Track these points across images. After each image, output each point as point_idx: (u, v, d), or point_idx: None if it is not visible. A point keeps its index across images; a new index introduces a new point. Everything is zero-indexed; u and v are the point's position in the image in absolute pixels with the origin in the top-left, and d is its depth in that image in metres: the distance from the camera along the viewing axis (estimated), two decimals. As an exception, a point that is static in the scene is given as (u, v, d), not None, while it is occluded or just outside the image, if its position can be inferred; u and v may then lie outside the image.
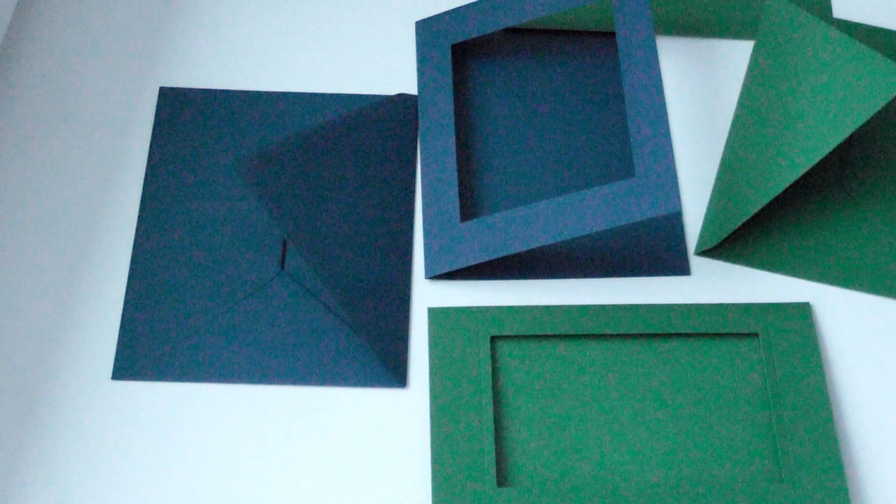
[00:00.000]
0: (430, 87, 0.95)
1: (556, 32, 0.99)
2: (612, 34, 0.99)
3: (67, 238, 0.88)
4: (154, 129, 0.93)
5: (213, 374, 0.83)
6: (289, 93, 0.95)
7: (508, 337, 0.84)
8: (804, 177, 0.93)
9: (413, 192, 0.92)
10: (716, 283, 0.88)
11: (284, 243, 0.88)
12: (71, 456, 0.80)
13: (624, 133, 0.94)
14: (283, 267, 0.87)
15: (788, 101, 0.89)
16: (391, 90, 0.96)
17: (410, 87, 0.97)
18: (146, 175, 0.91)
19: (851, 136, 0.94)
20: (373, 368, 0.83)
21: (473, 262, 0.86)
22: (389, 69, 0.97)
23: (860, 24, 0.99)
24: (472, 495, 0.78)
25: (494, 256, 0.85)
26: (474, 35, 0.96)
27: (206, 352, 0.84)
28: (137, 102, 0.95)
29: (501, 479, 0.79)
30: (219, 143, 0.93)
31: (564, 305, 0.86)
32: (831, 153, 0.94)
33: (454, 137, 0.92)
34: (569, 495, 0.78)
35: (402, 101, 0.95)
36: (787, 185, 0.85)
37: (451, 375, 0.82)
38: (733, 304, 0.86)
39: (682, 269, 0.89)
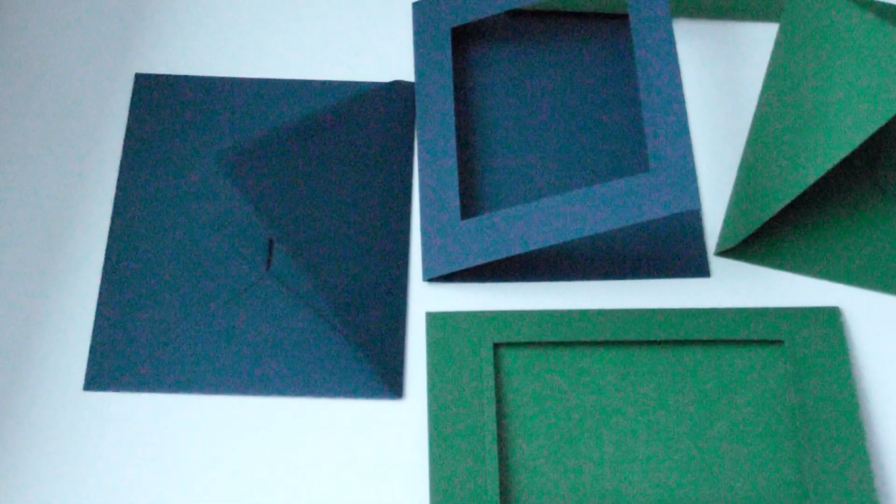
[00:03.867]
0: (428, 74, 0.95)
1: (564, 15, 0.99)
2: (625, 16, 0.99)
3: (36, 238, 0.88)
4: (129, 120, 0.93)
5: (193, 385, 0.83)
6: (275, 80, 0.95)
7: (513, 344, 0.85)
8: (833, 171, 0.93)
9: (410, 187, 0.92)
10: (737, 286, 0.88)
11: (270, 243, 0.88)
12: (40, 471, 0.80)
13: (638, 124, 0.94)
14: (268, 269, 0.87)
15: (816, 89, 0.89)
16: (386, 77, 0.96)
17: (407, 73, 0.97)
18: (120, 169, 0.91)
19: (884, 127, 0.94)
20: (366, 378, 0.84)
21: (475, 263, 0.86)
22: (384, 54, 0.97)
23: (893, 5, 0.99)
24: (473, 516, 0.78)
25: (498, 257, 0.85)
26: (475, 18, 0.96)
27: (185, 361, 0.84)
28: (111, 90, 0.95)
29: (505, 499, 0.79)
30: (199, 134, 0.93)
31: (573, 310, 0.86)
32: (862, 145, 0.94)
33: (454, 128, 0.92)
34: (579, 516, 0.78)
35: (397, 89, 0.95)
36: (814, 180, 0.85)
37: (451, 386, 0.82)
38: (756, 309, 0.86)
39: (700, 270, 0.89)
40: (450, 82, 0.94)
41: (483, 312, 0.85)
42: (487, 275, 0.88)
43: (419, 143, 0.93)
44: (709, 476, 0.80)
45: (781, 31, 0.97)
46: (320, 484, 0.81)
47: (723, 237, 0.90)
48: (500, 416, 0.82)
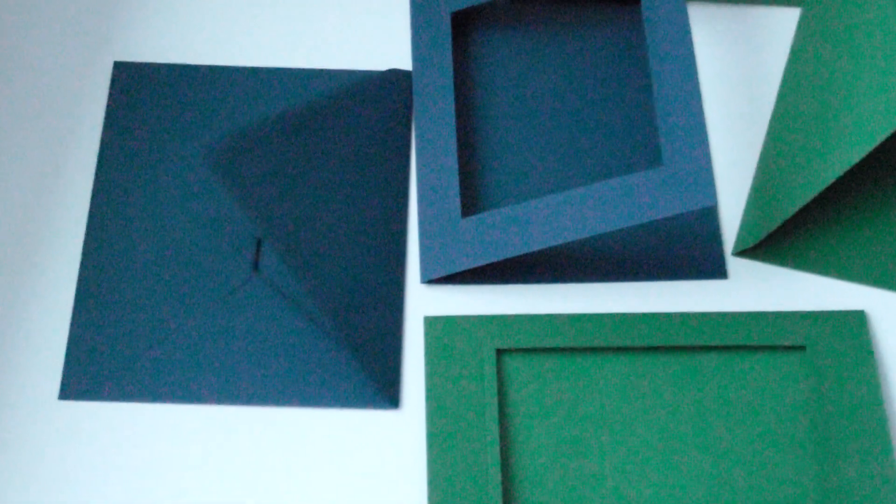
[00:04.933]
0: (426, 62, 0.95)
1: (572, -1, 0.99)
2: (637, 0, 1.00)
3: (7, 237, 0.88)
4: (108, 111, 0.93)
5: (175, 394, 0.83)
6: (262, 68, 0.96)
7: (516, 350, 0.85)
8: (858, 166, 0.93)
9: (407, 183, 0.92)
10: (756, 289, 0.88)
11: (258, 242, 0.88)
12: (12, 484, 0.80)
13: (650, 116, 0.94)
14: (256, 269, 0.87)
15: (841, 77, 0.89)
16: (382, 65, 0.96)
17: (404, 61, 0.97)
18: (98, 164, 0.91)
19: (914, 119, 0.95)
20: (360, 387, 0.84)
21: (476, 264, 0.86)
22: (379, 41, 0.97)
23: (923, -11, 1.00)
24: (474, 533, 0.79)
25: (500, 257, 0.85)
26: (477, 2, 0.96)
27: (166, 369, 0.84)
28: (88, 79, 0.95)
29: (509, 516, 0.80)
30: (182, 126, 0.93)
31: (581, 314, 0.86)
32: (889, 139, 0.94)
33: (454, 120, 0.92)
34: (586, 533, 0.79)
35: (394, 78, 0.95)
36: (838, 175, 0.84)
37: (451, 395, 0.82)
38: (776, 313, 0.86)
39: (717, 271, 0.89)
40: (449, 71, 0.94)
41: (485, 316, 0.85)
42: (489, 276, 0.88)
43: (417, 136, 0.93)
44: (726, 491, 0.80)
45: (804, 16, 0.97)
46: (312, 497, 0.80)
47: (741, 236, 0.90)
48: (503, 428, 0.82)
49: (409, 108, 0.94)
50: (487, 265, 0.88)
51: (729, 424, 0.82)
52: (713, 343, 0.84)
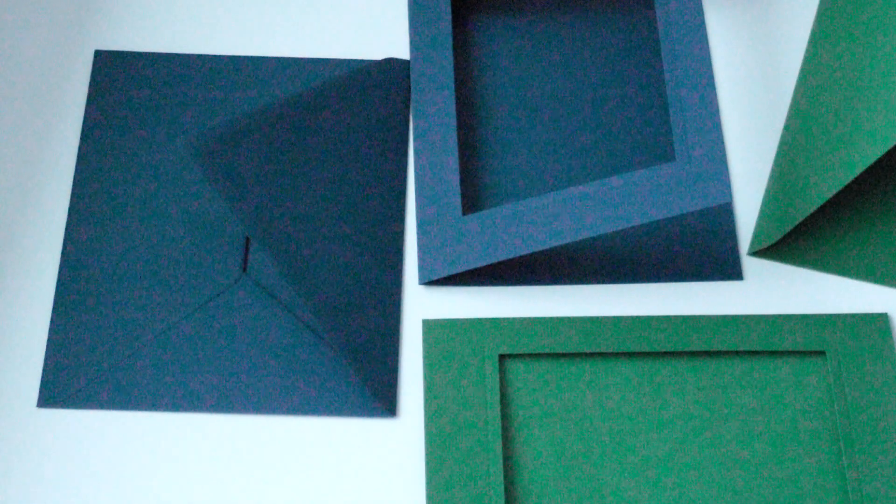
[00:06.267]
0: (425, 50, 0.95)
1: (579, -17, 0.97)
2: None
3: None
4: (88, 102, 0.93)
5: (158, 402, 0.83)
6: (250, 57, 0.95)
7: (520, 355, 0.85)
8: (881, 161, 0.92)
9: (405, 178, 0.91)
10: (773, 290, 0.88)
11: (247, 241, 0.88)
12: None
13: (662, 107, 0.94)
14: (245, 270, 0.87)
15: (864, 66, 0.88)
16: (378, 54, 0.96)
17: (401, 49, 0.96)
18: (78, 159, 0.91)
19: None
20: (355, 394, 0.83)
21: (478, 265, 0.86)
22: (375, 27, 0.97)
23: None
24: (475, 549, 0.78)
25: (504, 257, 0.85)
26: None
27: (150, 375, 0.84)
28: (68, 69, 0.95)
29: (512, 531, 0.79)
30: (166, 119, 0.93)
31: (588, 317, 0.85)
32: None
33: (455, 112, 0.91)
34: (594, 548, 0.79)
35: (391, 68, 0.94)
36: (860, 170, 0.83)
37: (451, 403, 0.82)
38: (794, 316, 0.85)
39: (732, 272, 0.88)
40: (450, 60, 0.93)
41: (487, 320, 0.85)
42: (492, 277, 0.88)
43: (415, 129, 0.93)
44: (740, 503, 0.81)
45: (823, 2, 0.97)
46: (303, 514, 0.79)
47: (757, 235, 0.89)
48: (506, 438, 0.82)
49: (406, 99, 0.94)
50: (490, 265, 0.88)
51: (744, 434, 0.82)
52: (727, 348, 0.83)
